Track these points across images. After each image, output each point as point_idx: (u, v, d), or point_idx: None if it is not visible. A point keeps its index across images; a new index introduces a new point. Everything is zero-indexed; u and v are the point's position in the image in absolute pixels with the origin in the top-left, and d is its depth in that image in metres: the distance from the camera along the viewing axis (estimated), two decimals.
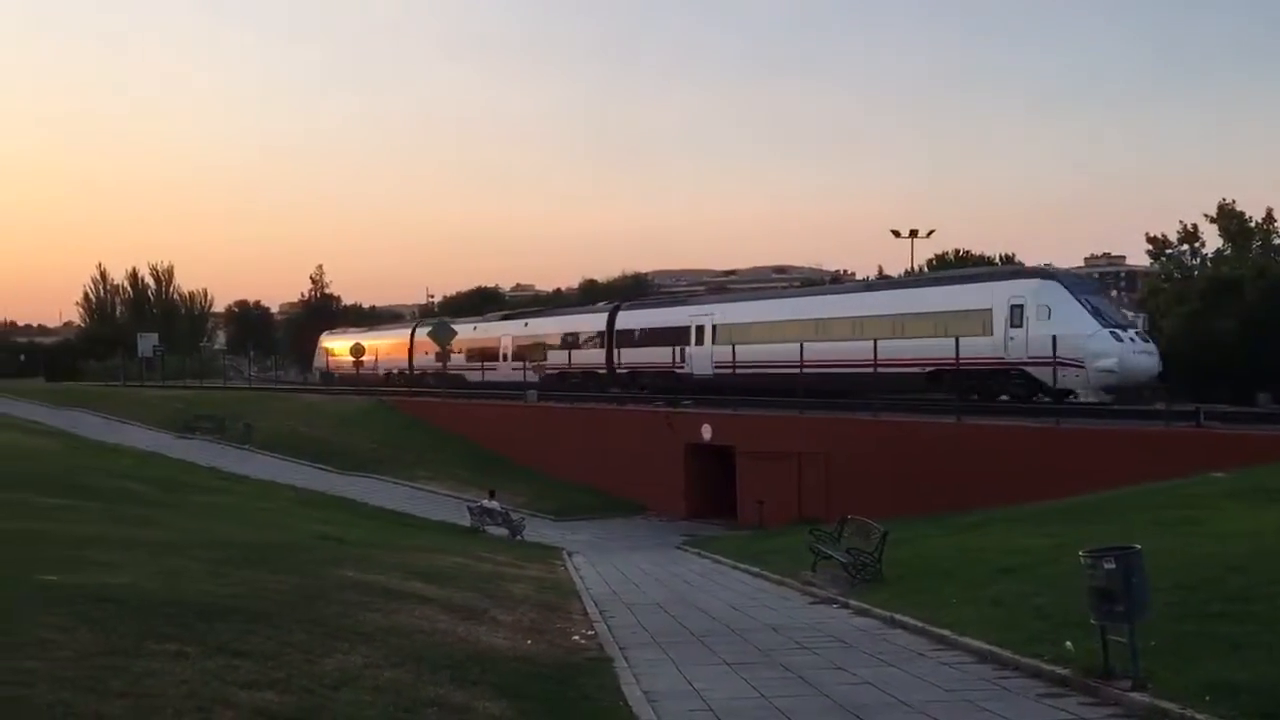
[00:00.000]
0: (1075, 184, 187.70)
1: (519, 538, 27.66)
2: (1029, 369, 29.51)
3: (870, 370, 30.51)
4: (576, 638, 12.32)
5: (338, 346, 67.20)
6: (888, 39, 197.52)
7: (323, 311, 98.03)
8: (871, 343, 30.93)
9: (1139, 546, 9.07)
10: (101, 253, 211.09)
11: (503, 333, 52.71)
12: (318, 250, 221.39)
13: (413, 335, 58.67)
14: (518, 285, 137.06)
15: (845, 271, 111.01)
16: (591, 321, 48.36)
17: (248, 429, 46.90)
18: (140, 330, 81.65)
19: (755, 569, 20.12)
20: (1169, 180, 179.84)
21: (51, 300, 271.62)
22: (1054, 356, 26.86)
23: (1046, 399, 28.90)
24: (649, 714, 8.59)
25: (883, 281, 49.34)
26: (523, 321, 53.29)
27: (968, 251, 71.26)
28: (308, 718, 6.65)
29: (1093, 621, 9.10)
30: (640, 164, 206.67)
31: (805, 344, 33.31)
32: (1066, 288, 30.28)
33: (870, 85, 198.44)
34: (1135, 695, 8.32)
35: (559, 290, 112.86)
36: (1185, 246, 49.76)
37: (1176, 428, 24.76)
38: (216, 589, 10.45)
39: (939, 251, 72.72)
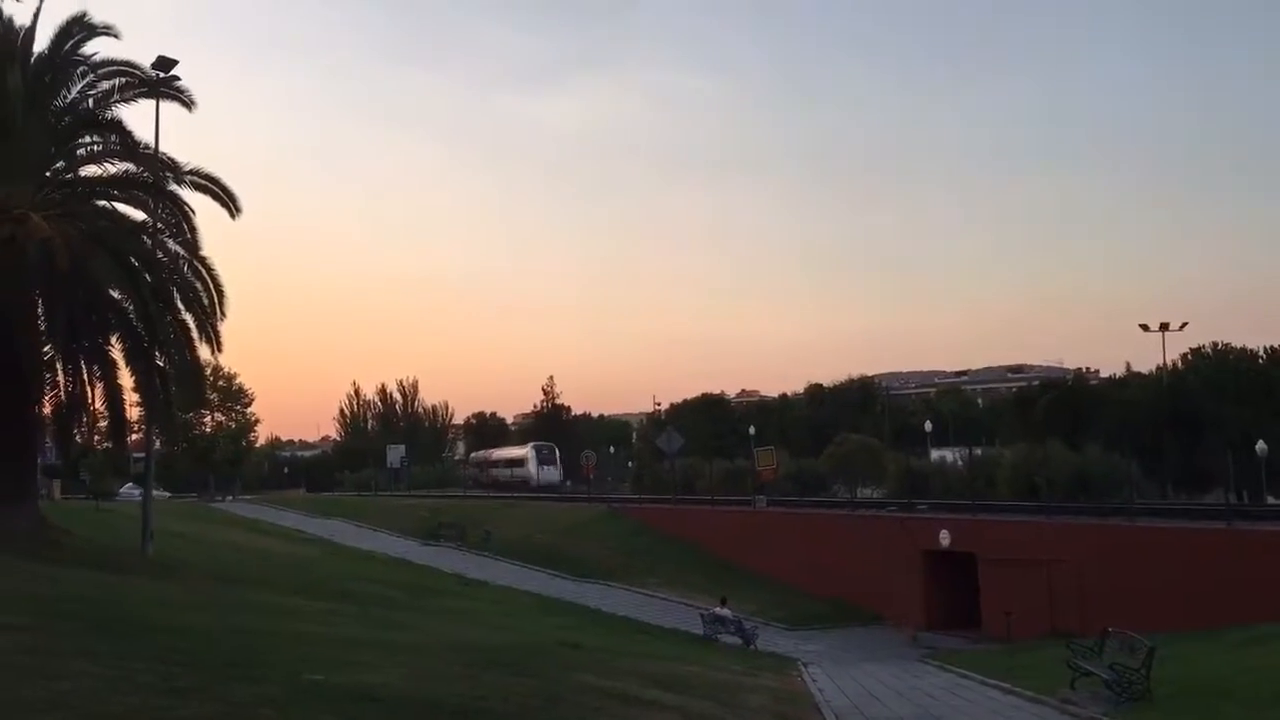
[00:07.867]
0: None
1: (753, 647, 27.22)
2: (529, 480, 76.98)
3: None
4: None
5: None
6: (1135, 125, 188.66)
7: (553, 421, 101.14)
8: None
9: None
10: (356, 370, 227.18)
11: (487, 456, 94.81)
12: (551, 361, 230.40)
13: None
14: (743, 391, 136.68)
15: (1089, 369, 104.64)
16: (512, 452, 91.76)
17: (487, 535, 48.76)
18: (389, 442, 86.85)
19: (1006, 685, 18.91)
20: None
21: (311, 417, 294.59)
22: (527, 475, 79.35)
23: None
24: None
25: (498, 446, 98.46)
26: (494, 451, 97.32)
27: (1227, 344, 66.00)
28: None
29: None
30: (869, 266, 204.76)
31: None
32: (535, 450, 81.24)
33: (1116, 173, 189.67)
34: None
35: (784, 395, 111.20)
36: None
37: None
38: (465, 690, 10.74)
39: (1195, 345, 67.87)
